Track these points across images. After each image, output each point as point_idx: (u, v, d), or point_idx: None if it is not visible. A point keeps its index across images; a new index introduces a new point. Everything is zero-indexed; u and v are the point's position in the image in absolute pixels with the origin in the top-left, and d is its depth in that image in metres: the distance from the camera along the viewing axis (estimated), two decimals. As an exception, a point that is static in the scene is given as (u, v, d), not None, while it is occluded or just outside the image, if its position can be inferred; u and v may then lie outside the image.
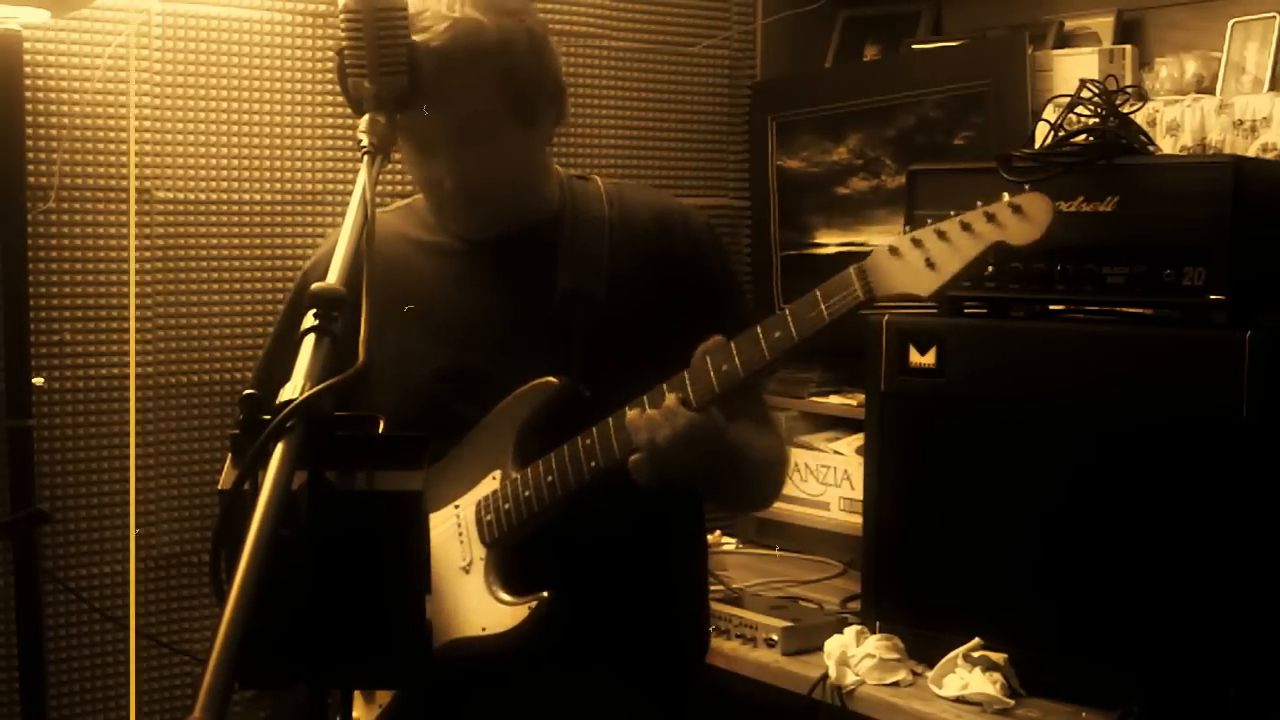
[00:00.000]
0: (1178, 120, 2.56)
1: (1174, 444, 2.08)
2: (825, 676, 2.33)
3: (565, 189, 2.00)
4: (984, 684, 2.17)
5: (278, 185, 2.77)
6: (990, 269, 2.23)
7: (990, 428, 2.26)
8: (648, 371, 1.79)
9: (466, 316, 1.94)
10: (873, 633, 2.37)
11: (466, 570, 1.87)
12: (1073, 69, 2.73)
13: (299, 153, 2.78)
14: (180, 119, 2.66)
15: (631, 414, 1.76)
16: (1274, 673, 2.07)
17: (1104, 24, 2.93)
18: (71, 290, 2.58)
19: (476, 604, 1.84)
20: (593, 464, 1.80)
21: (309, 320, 1.17)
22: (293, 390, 1.09)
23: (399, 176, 2.65)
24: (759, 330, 1.74)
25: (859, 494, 2.63)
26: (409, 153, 1.91)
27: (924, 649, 2.31)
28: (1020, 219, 1.71)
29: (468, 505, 1.90)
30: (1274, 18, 2.59)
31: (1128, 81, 2.60)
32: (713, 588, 2.41)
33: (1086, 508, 2.16)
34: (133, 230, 2.59)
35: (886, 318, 2.36)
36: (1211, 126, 2.53)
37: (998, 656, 2.20)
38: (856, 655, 2.32)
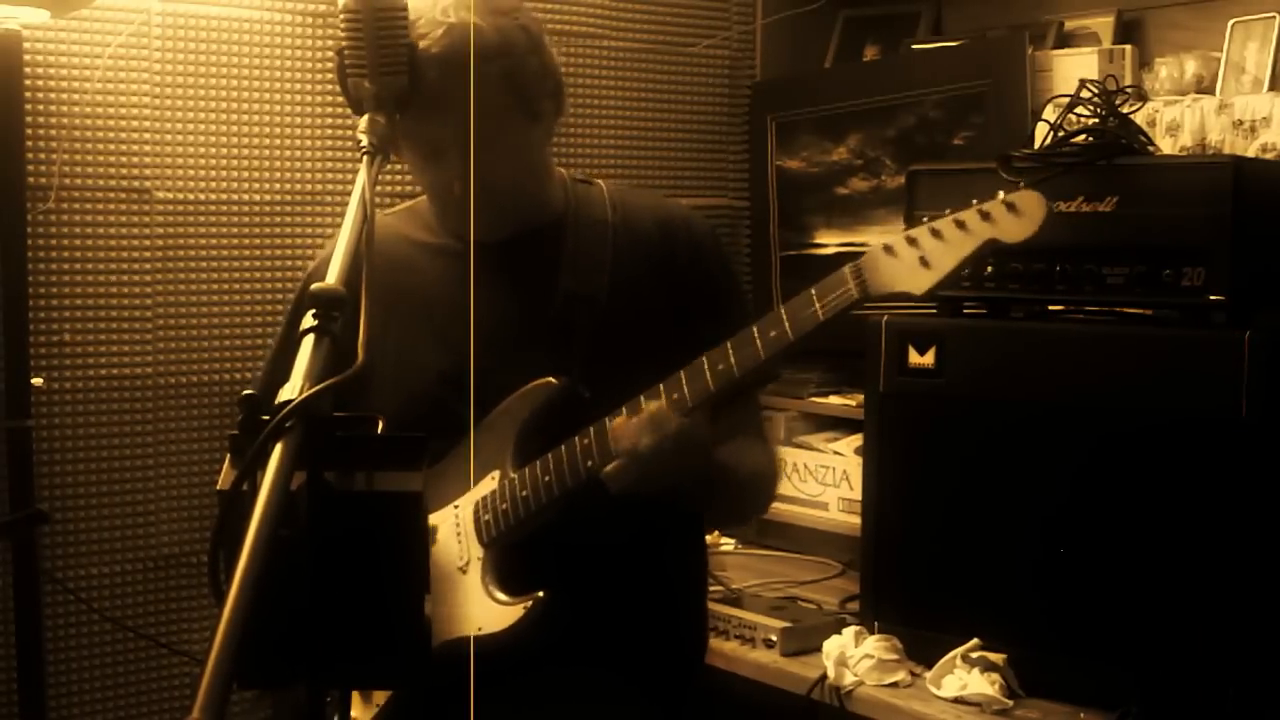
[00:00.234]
0: (1177, 120, 2.56)
1: (1173, 444, 2.08)
2: (824, 677, 2.32)
3: (569, 192, 2.00)
4: (983, 684, 2.17)
5: (278, 185, 2.76)
6: (990, 269, 2.23)
7: (989, 428, 2.26)
8: (648, 374, 1.79)
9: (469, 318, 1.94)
10: (871, 633, 2.37)
11: (464, 570, 1.87)
12: (1072, 69, 2.72)
13: (299, 153, 2.78)
14: (180, 119, 2.65)
15: (616, 421, 1.76)
16: (1273, 673, 2.07)
17: (1104, 24, 2.92)
18: (71, 290, 2.58)
19: (473, 604, 1.84)
20: (589, 464, 1.80)
21: (308, 320, 1.17)
22: (292, 390, 1.09)
23: (399, 177, 2.66)
24: (754, 329, 1.75)
25: (858, 494, 2.62)
26: (415, 159, 1.91)
27: (923, 649, 2.31)
28: (1015, 216, 1.71)
29: (466, 505, 1.90)
30: (1274, 18, 2.59)
31: (1127, 82, 2.59)
32: (712, 588, 2.40)
33: (1086, 508, 2.16)
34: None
35: (886, 318, 2.35)
36: (1211, 127, 2.53)
37: (996, 657, 2.20)
38: (855, 656, 2.32)
